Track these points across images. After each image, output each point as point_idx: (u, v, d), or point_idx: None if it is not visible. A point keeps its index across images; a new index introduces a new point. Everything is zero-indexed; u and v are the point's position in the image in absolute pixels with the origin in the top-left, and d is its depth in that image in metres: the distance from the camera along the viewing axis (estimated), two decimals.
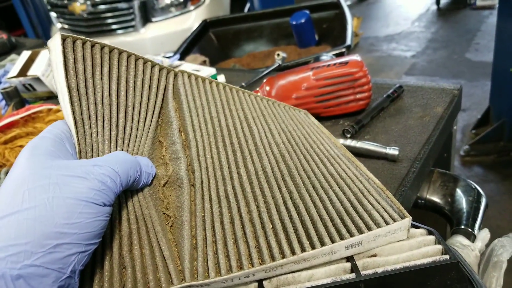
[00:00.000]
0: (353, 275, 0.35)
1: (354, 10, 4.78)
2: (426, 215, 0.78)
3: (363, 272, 0.35)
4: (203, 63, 1.26)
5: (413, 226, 0.40)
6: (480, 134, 2.07)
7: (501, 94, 2.02)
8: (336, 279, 0.35)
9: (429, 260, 0.35)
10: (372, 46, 3.69)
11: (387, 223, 0.37)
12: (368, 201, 0.40)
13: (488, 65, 2.16)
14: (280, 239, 0.36)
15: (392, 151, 0.63)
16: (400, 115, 0.75)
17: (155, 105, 0.47)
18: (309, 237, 0.36)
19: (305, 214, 0.38)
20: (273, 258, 0.35)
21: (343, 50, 1.23)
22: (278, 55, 1.08)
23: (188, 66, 0.98)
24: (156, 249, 0.36)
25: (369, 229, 0.36)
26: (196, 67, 0.96)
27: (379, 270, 0.35)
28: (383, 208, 0.39)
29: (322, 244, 0.35)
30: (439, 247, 0.37)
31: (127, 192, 0.39)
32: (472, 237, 0.62)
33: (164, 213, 0.40)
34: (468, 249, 0.60)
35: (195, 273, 0.35)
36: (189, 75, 0.53)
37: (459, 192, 0.69)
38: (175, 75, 0.52)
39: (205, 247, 0.37)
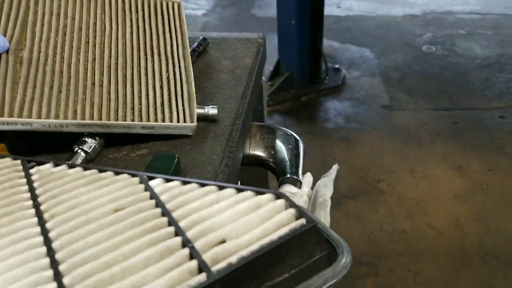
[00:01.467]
0: (203, 276, 0.27)
1: None
2: (248, 171, 0.76)
3: (214, 268, 0.27)
4: None
5: (257, 193, 0.35)
6: (274, 85, 2.24)
7: (288, 46, 2.21)
8: None
9: (286, 230, 0.30)
10: None
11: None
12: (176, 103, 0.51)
13: (273, 19, 2.32)
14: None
15: (211, 110, 0.56)
16: (211, 70, 0.69)
17: None
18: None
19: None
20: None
21: None
22: None
23: None
24: None
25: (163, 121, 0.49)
26: None
27: (233, 259, 0.28)
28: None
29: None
30: (292, 211, 0.32)
31: None
32: (298, 184, 0.62)
33: None
34: (297, 196, 0.60)
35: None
36: None
37: (278, 142, 0.69)
38: None
39: None
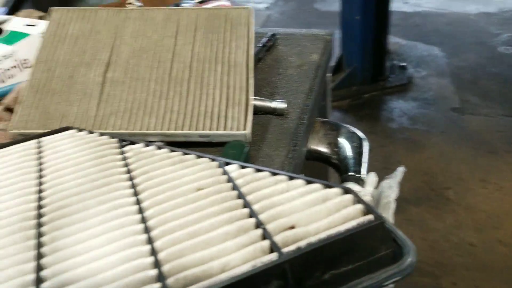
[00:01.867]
0: (275, 255, 0.29)
1: None
2: (309, 166, 0.77)
3: (284, 250, 0.29)
4: (40, 18, 1.03)
5: (326, 186, 0.36)
6: (335, 80, 2.22)
7: (351, 42, 2.17)
8: (256, 264, 0.28)
9: (353, 223, 0.31)
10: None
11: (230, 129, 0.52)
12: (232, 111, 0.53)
13: (336, 14, 2.29)
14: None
15: (280, 104, 0.58)
16: (279, 65, 0.70)
17: None
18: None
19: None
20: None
21: None
22: (131, 4, 0.93)
23: (17, 21, 0.78)
24: None
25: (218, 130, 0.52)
26: (29, 21, 0.77)
27: (302, 244, 0.30)
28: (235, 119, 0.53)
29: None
30: (360, 207, 0.33)
31: None
32: (361, 182, 0.62)
33: None
34: (361, 195, 0.60)
35: None
36: None
37: (342, 139, 0.69)
38: None
39: None
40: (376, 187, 0.61)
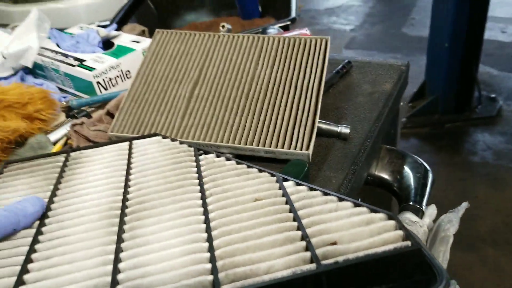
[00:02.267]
0: (313, 266, 0.33)
1: None
2: (373, 191, 0.78)
3: (323, 262, 0.33)
4: (142, 33, 1.17)
5: (372, 210, 0.39)
6: (416, 107, 2.16)
7: (436, 69, 2.11)
8: (296, 271, 0.32)
9: (391, 247, 0.34)
10: (312, 19, 3.69)
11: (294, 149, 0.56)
12: (298, 132, 0.58)
13: (424, 40, 2.24)
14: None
15: (344, 129, 0.61)
16: (350, 92, 0.74)
17: None
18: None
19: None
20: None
21: (288, 23, 1.20)
22: (223, 26, 1.02)
23: (126, 37, 0.90)
24: None
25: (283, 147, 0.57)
26: (135, 38, 0.88)
27: (340, 259, 0.33)
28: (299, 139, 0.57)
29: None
30: (400, 233, 0.36)
31: None
32: (420, 213, 0.63)
33: None
34: (417, 226, 0.61)
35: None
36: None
37: (406, 168, 0.70)
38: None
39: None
40: (435, 219, 0.61)
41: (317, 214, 0.38)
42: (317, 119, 0.58)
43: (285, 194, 0.41)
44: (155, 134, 0.57)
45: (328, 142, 0.62)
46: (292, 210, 0.38)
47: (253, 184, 0.43)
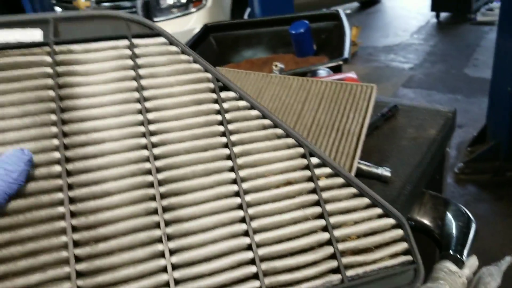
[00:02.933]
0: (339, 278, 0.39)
1: (353, 19, 4.79)
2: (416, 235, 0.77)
3: (348, 273, 0.39)
4: None
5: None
6: (475, 152, 2.07)
7: (499, 113, 2.01)
8: (326, 283, 0.39)
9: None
10: (370, 56, 3.70)
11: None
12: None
13: (486, 82, 2.16)
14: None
15: (385, 172, 0.62)
16: (394, 135, 0.75)
17: None
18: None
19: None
20: None
21: (340, 63, 1.23)
22: (276, 66, 1.08)
23: None
24: None
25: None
26: None
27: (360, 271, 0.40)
28: None
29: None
30: (405, 245, 0.42)
31: None
32: (460, 263, 0.61)
33: None
34: (456, 276, 0.60)
35: None
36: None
37: (449, 216, 0.69)
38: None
39: None
40: (476, 272, 0.60)
41: (344, 213, 0.43)
42: (355, 163, 0.60)
43: (313, 179, 0.44)
44: (158, 34, 0.47)
45: (369, 183, 0.63)
46: (321, 204, 0.42)
47: (282, 157, 0.44)
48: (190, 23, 2.77)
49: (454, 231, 0.67)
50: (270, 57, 1.78)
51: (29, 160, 0.38)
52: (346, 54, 1.32)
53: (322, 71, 0.95)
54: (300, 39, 1.65)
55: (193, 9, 2.84)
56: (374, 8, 5.10)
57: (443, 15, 4.47)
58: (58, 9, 3.00)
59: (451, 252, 0.63)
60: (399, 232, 0.42)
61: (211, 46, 1.89)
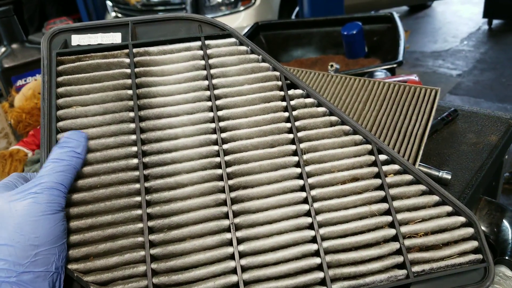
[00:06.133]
0: (404, 273, 0.40)
1: (402, 23, 4.69)
2: None
3: (414, 269, 0.40)
4: None
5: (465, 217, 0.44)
6: None
7: None
8: (391, 277, 0.40)
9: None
10: (417, 61, 3.63)
11: None
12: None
13: None
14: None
15: (445, 175, 0.64)
16: (453, 139, 0.76)
17: None
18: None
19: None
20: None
21: (394, 65, 1.24)
22: (332, 66, 1.10)
23: None
24: None
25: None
26: None
27: (426, 267, 0.41)
28: None
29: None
30: (479, 257, 0.42)
31: None
32: None
33: None
34: (511, 280, 0.61)
35: None
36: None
37: (505, 222, 0.70)
38: None
39: None
40: None
41: (412, 210, 0.44)
42: (416, 165, 0.62)
43: (381, 175, 0.44)
44: (229, 35, 0.50)
45: None
46: (388, 200, 0.43)
47: (349, 154, 0.45)
48: (238, 21, 2.82)
49: (510, 237, 0.67)
50: (320, 57, 1.80)
51: (86, 137, 0.42)
52: (400, 57, 1.33)
53: (380, 73, 0.96)
54: (352, 40, 1.67)
55: (241, 7, 2.88)
56: (423, 13, 4.98)
57: (496, 22, 4.31)
58: (109, 3, 3.12)
59: (507, 258, 0.64)
60: (469, 230, 0.42)
61: (261, 44, 1.92)
